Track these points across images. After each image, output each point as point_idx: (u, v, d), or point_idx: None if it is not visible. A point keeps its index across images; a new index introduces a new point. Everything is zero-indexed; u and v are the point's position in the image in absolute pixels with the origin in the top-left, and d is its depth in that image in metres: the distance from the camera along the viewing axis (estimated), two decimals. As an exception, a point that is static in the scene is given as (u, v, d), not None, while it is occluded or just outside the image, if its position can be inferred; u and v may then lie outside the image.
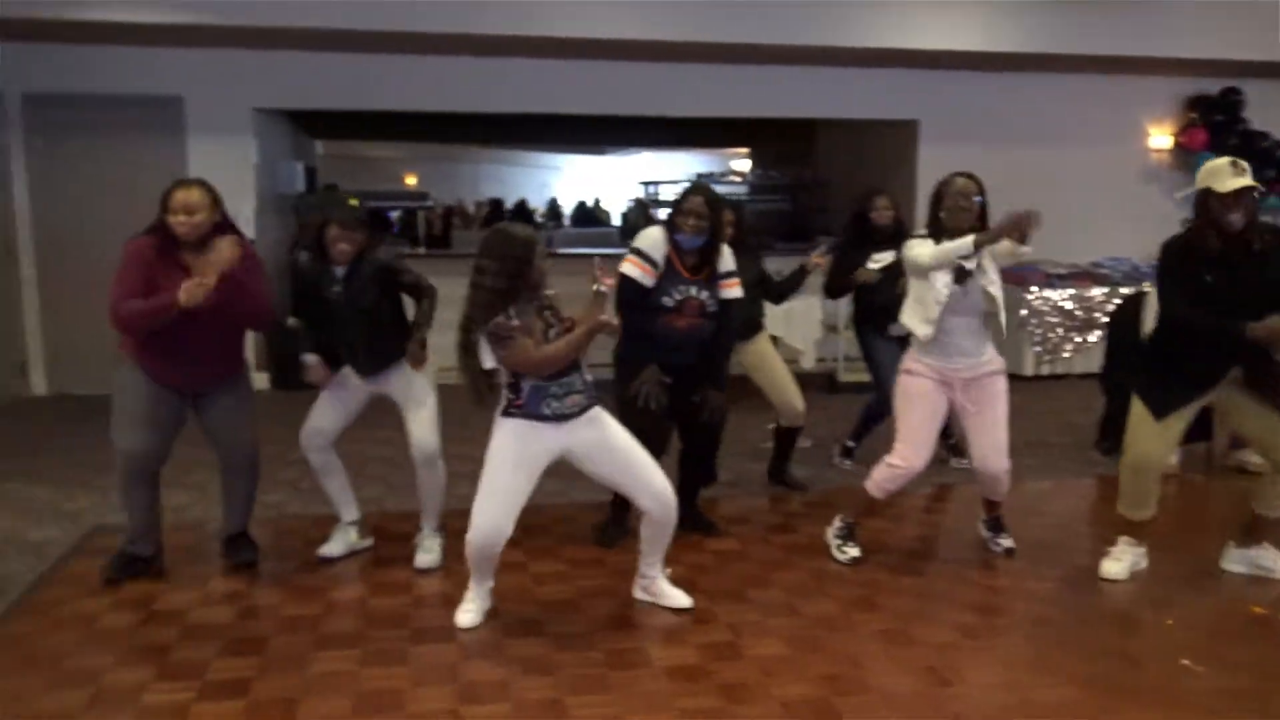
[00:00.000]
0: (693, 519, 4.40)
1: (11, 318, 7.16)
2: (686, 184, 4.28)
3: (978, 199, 3.85)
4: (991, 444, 3.96)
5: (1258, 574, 3.92)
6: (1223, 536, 4.13)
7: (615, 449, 3.44)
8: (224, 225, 3.69)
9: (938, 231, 3.87)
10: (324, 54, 7.32)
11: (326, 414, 4.00)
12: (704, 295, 4.08)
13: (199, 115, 7.26)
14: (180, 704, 2.90)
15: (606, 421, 3.46)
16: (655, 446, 3.81)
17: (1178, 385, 3.72)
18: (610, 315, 3.31)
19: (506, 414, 3.37)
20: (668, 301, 4.04)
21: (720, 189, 11.89)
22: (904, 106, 8.36)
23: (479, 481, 3.34)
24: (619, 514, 4.28)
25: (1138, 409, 3.81)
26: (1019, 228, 3.60)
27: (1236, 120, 8.48)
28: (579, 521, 4.45)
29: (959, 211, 3.83)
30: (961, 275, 3.79)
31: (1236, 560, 3.98)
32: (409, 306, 4.00)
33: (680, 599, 3.61)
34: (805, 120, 10.11)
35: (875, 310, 5.10)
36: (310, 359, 3.91)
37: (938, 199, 3.91)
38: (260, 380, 7.53)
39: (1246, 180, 3.47)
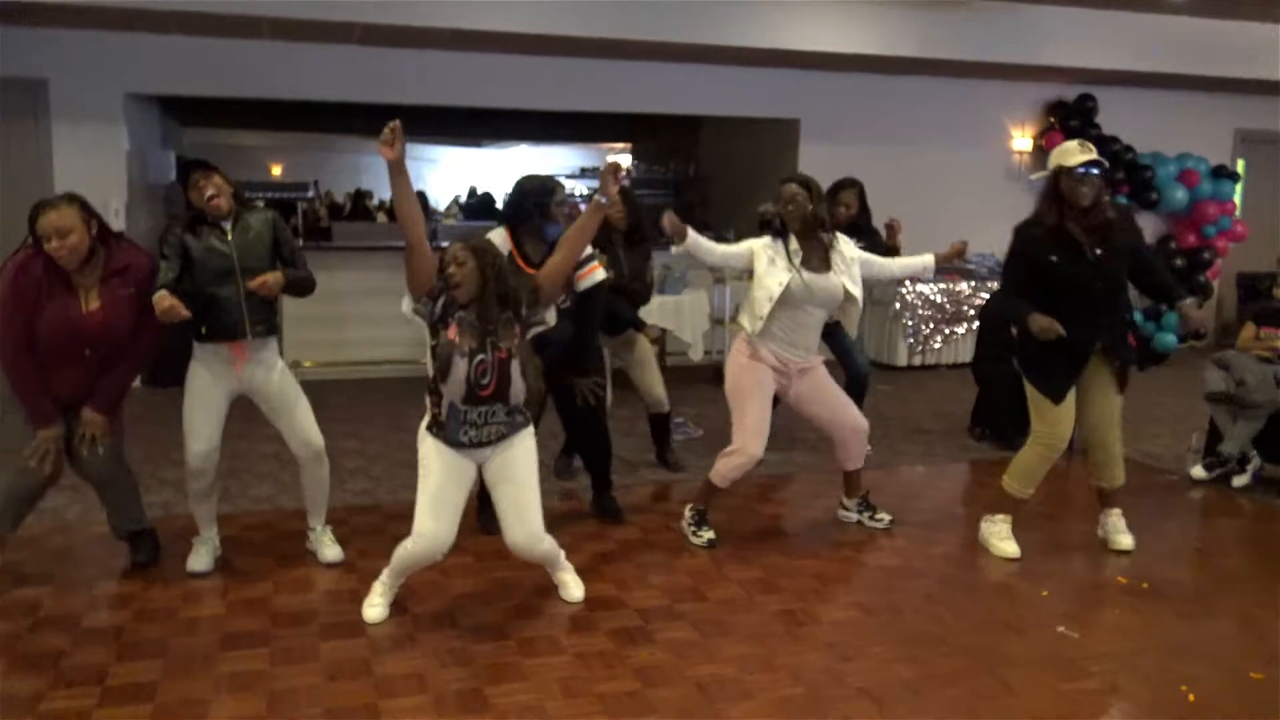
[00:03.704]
0: (602, 507, 4.49)
1: None
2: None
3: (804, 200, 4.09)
4: (844, 406, 4.27)
5: (1103, 537, 4.29)
6: (1085, 513, 4.50)
7: (511, 479, 3.42)
8: (106, 235, 3.53)
9: (784, 236, 4.12)
10: (197, 39, 7.06)
11: (208, 426, 3.72)
12: None
13: (64, 100, 6.89)
14: (82, 710, 2.81)
15: (516, 448, 3.44)
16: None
17: (1062, 369, 3.98)
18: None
19: (430, 429, 3.38)
20: None
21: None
22: (785, 105, 8.60)
23: (418, 491, 3.35)
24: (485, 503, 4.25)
25: (1037, 398, 4.04)
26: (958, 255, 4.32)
27: (1090, 125, 9.02)
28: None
29: (789, 217, 4.10)
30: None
31: (1100, 523, 4.34)
32: None
33: (573, 592, 3.63)
34: (688, 116, 10.27)
35: None
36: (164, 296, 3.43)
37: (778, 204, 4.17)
38: (132, 377, 7.23)
39: (1093, 154, 3.82)
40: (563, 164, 15.28)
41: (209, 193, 3.61)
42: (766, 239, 4.14)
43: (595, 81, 8.08)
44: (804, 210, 4.05)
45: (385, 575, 3.49)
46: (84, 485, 4.55)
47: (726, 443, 4.16)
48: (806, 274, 4.03)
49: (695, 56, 7.90)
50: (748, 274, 4.20)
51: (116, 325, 3.54)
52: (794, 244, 4.07)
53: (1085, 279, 3.86)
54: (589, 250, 4.16)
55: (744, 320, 4.16)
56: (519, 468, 3.42)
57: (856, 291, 4.11)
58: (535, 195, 4.09)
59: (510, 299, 3.30)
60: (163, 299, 3.40)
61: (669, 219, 3.95)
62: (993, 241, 9.11)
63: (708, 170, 11.14)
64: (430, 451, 3.37)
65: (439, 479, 3.33)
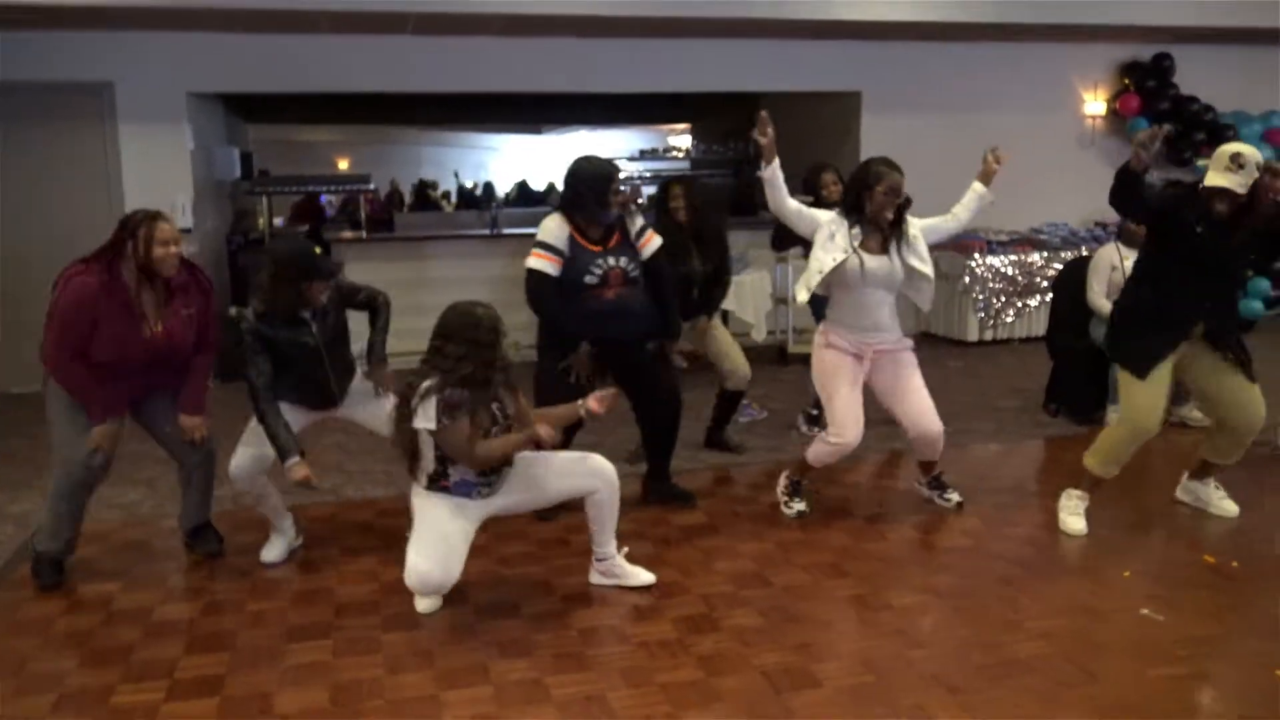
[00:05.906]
0: (668, 492, 4.43)
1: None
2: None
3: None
4: (920, 409, 4.10)
5: (1199, 506, 4.20)
6: (1167, 489, 4.35)
7: (540, 475, 3.46)
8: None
9: (856, 216, 3.97)
10: (256, 36, 7.12)
11: (263, 444, 3.70)
12: (623, 261, 4.08)
13: (130, 101, 7.00)
14: (151, 704, 2.84)
15: (527, 465, 3.46)
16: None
17: (1154, 341, 3.82)
18: (552, 434, 3.28)
19: (431, 488, 3.35)
20: (590, 279, 4.03)
21: (662, 165, 11.74)
22: (846, 78, 8.40)
23: (412, 532, 3.35)
24: None
25: (1124, 376, 3.88)
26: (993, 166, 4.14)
27: (1168, 85, 8.66)
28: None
29: (887, 206, 3.93)
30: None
31: (1186, 491, 4.26)
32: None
33: (642, 576, 3.58)
34: (747, 94, 10.11)
35: None
36: (298, 467, 3.57)
37: (864, 186, 3.94)
38: (204, 372, 7.37)
39: (1223, 181, 3.57)
40: (623, 147, 15.18)
41: (321, 296, 3.65)
42: (835, 214, 4.02)
43: (652, 62, 7.97)
44: (899, 206, 3.94)
45: None
46: (156, 480, 4.67)
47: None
48: (864, 256, 3.93)
49: (752, 31, 7.75)
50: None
51: (179, 344, 3.65)
52: (856, 226, 3.96)
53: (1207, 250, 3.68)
54: (640, 221, 4.17)
55: (797, 290, 4.12)
56: (537, 467, 3.46)
57: (925, 268, 3.99)
58: (592, 184, 4.00)
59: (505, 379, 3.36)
60: (295, 470, 3.53)
61: (764, 130, 3.77)
62: (1065, 211, 8.86)
63: (768, 148, 10.96)
64: (427, 502, 3.36)
65: (433, 520, 3.32)
